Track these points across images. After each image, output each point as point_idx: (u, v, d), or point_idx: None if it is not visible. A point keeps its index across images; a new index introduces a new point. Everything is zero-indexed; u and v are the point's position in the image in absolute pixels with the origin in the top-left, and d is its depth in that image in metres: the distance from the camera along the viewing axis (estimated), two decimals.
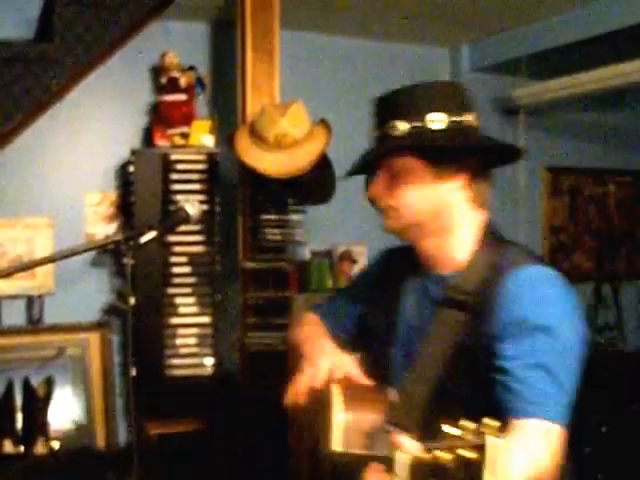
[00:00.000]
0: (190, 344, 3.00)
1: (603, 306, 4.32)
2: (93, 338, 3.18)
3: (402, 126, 1.35)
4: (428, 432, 1.08)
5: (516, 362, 1.24)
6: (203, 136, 3.11)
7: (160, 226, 1.46)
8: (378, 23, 3.60)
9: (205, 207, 2.96)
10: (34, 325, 3.11)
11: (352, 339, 1.61)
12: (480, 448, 0.81)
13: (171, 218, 1.49)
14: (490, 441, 0.80)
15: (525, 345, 1.24)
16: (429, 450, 0.88)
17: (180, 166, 3.02)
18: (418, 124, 1.34)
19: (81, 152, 3.30)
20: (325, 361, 1.40)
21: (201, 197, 3.02)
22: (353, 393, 1.33)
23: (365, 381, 1.39)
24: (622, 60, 3.35)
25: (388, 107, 1.40)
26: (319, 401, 1.38)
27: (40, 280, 3.14)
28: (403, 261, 1.52)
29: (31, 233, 3.16)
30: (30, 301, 3.14)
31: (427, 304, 1.42)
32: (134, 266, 1.69)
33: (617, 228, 4.70)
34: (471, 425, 0.84)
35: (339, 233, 3.77)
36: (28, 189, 3.20)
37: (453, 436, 0.86)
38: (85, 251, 1.71)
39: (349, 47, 3.81)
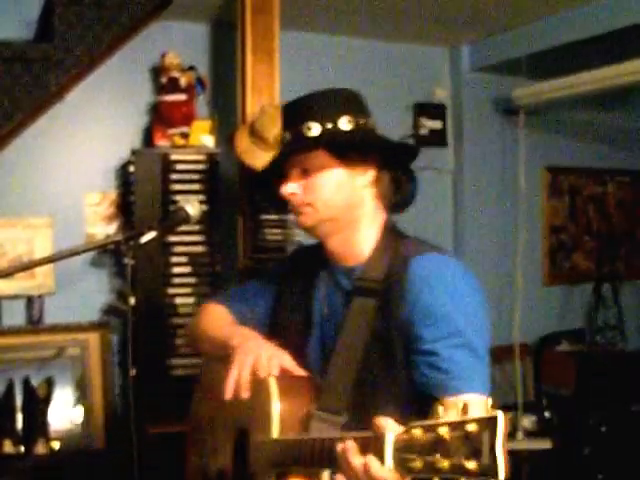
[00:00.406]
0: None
1: (603, 306, 4.32)
2: (93, 338, 3.18)
3: (316, 127, 1.48)
4: (357, 415, 1.31)
5: (440, 343, 1.34)
6: (203, 136, 3.11)
7: (160, 226, 1.46)
8: (378, 23, 3.60)
9: (205, 207, 2.96)
10: (34, 325, 3.11)
11: (261, 325, 1.63)
12: (484, 421, 0.88)
13: (171, 218, 1.49)
14: (500, 414, 0.87)
15: (445, 326, 1.35)
16: (426, 427, 0.95)
17: (180, 166, 3.02)
18: (330, 125, 1.47)
19: (81, 152, 3.30)
20: (265, 351, 1.44)
21: (201, 197, 3.02)
22: (287, 384, 1.40)
23: (298, 372, 1.45)
24: (622, 60, 3.35)
25: (301, 111, 1.52)
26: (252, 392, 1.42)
27: (40, 280, 3.14)
28: (311, 258, 1.62)
29: (31, 233, 3.16)
30: (30, 301, 3.13)
31: (338, 296, 1.53)
32: (134, 266, 1.69)
33: (617, 228, 4.70)
34: (459, 403, 0.93)
35: None
36: (28, 189, 3.20)
37: (442, 415, 0.94)
38: (85, 251, 1.71)
39: (349, 47, 3.81)
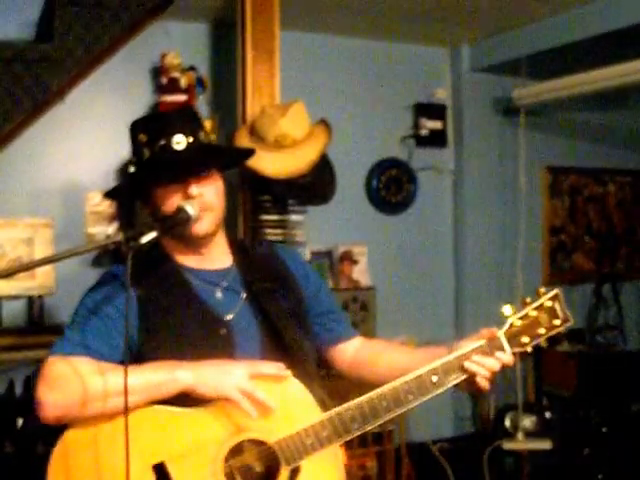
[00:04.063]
0: None
1: (603, 306, 4.32)
2: None
3: (205, 137, 1.60)
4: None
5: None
6: None
7: (160, 226, 1.46)
8: (378, 23, 3.60)
9: None
10: (34, 325, 3.11)
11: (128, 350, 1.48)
12: (554, 297, 1.54)
13: (171, 218, 1.49)
14: (556, 290, 1.56)
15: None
16: (522, 317, 1.53)
17: None
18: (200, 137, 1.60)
19: (81, 152, 3.30)
20: (240, 368, 1.44)
21: None
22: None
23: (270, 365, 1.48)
24: (622, 60, 3.35)
25: (193, 119, 1.65)
26: None
27: (40, 280, 3.14)
28: (151, 271, 1.60)
29: (31, 233, 3.16)
30: (30, 301, 3.13)
31: (232, 295, 1.58)
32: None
33: (617, 228, 4.70)
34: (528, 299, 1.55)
35: (339, 233, 3.77)
36: (28, 189, 3.20)
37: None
38: (85, 251, 1.70)
39: (349, 47, 3.81)
